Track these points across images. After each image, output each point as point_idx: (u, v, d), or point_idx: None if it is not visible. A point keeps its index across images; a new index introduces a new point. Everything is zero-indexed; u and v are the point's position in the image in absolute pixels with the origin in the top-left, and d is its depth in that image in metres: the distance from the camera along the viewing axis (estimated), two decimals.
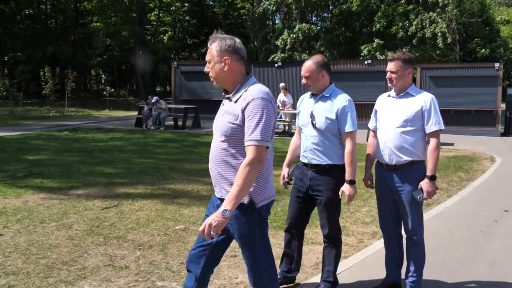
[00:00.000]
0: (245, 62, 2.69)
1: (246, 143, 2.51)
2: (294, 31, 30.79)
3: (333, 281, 3.80)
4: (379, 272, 4.13)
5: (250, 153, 2.49)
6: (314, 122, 3.66)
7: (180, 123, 18.42)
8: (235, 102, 2.60)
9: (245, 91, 2.59)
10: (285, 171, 3.94)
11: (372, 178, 3.96)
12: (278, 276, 3.89)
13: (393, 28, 29.16)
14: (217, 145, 2.67)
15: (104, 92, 35.78)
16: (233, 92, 2.64)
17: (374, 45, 28.82)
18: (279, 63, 22.09)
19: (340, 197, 3.63)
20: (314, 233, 5.40)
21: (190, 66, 24.14)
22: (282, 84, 18.08)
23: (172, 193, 7.14)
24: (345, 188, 3.56)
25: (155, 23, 45.49)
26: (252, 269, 2.72)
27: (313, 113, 3.68)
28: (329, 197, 3.63)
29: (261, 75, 21.67)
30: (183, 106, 19.45)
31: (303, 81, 3.71)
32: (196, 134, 16.30)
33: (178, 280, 3.99)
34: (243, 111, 2.53)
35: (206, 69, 2.69)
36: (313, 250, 4.85)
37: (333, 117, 3.59)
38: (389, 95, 3.85)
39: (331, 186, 3.63)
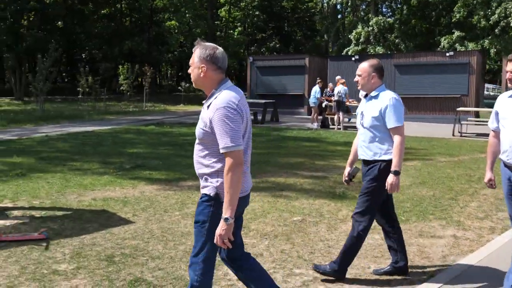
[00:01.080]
0: (223, 71, 2.80)
1: (221, 151, 2.66)
2: (369, 24, 30.26)
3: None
4: None
5: (227, 159, 2.64)
6: (362, 121, 3.96)
7: (259, 117, 18.70)
8: (207, 108, 2.74)
9: (215, 98, 2.72)
10: (347, 170, 4.19)
11: (494, 178, 3.91)
12: (388, 267, 4.07)
13: (474, 17, 27.95)
14: (195, 147, 2.88)
15: (179, 87, 36.83)
16: (207, 98, 2.79)
17: (454, 37, 27.75)
18: (356, 57, 21.86)
19: (386, 188, 3.76)
20: (430, 227, 5.40)
21: (265, 61, 24.35)
22: (338, 77, 17.92)
23: (276, 186, 7.34)
24: (389, 178, 3.75)
25: (224, 18, 46.26)
26: (193, 253, 2.81)
27: (363, 112, 3.97)
28: (365, 186, 3.88)
29: (338, 68, 21.57)
30: (262, 101, 19.70)
31: (355, 78, 4.01)
32: (277, 128, 16.50)
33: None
34: (211, 120, 2.67)
35: (189, 70, 2.87)
36: (435, 244, 4.85)
37: (377, 114, 3.82)
38: (510, 95, 3.76)
39: (372, 176, 3.86)
